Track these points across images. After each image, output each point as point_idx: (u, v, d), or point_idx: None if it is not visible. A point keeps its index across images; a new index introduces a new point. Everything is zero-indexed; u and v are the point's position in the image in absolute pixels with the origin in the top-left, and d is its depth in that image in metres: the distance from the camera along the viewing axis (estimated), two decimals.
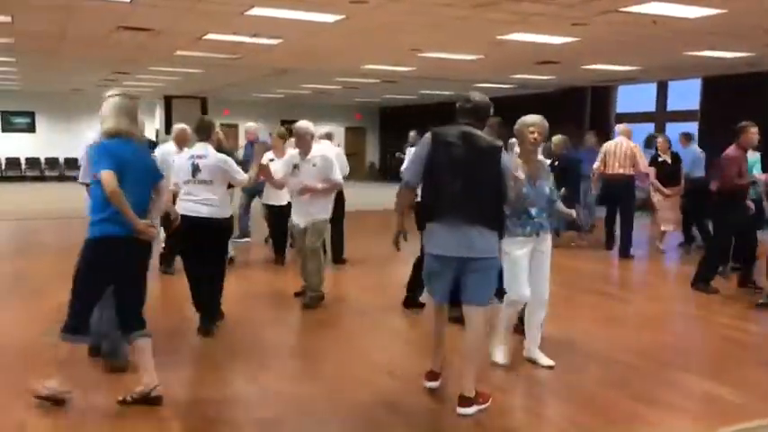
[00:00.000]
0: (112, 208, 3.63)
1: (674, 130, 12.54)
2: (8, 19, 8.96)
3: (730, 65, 12.01)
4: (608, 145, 9.65)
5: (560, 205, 4.85)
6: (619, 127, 10.34)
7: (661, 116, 15.92)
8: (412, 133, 14.01)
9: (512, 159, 4.25)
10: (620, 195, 9.41)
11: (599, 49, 10.74)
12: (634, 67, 13.06)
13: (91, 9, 8.34)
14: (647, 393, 4.26)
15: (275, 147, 8.02)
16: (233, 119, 22.53)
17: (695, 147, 10.16)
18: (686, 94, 15.25)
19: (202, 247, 5.24)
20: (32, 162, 22.81)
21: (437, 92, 19.18)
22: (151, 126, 22.09)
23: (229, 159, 5.34)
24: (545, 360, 4.67)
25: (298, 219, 6.20)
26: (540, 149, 4.72)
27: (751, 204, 7.09)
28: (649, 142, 12.05)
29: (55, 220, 12.34)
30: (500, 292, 4.11)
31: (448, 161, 3.81)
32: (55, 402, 3.79)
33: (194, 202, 5.18)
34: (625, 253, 9.29)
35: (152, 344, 3.92)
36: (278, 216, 7.95)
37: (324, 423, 3.87)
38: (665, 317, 6.49)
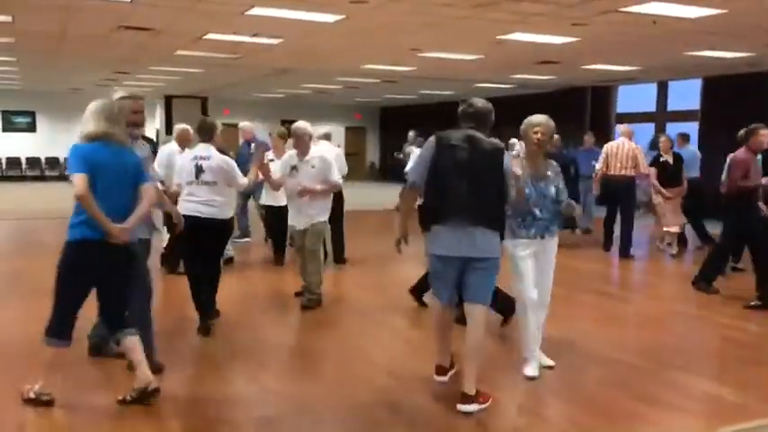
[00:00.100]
0: None
1: (674, 130, 12.47)
2: (8, 19, 8.96)
3: (730, 65, 12.00)
4: (610, 146, 9.62)
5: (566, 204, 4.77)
6: (620, 128, 10.31)
7: (661, 116, 15.89)
8: (411, 133, 14.05)
9: (510, 159, 4.25)
10: (621, 195, 9.40)
11: (599, 49, 10.73)
12: (634, 67, 13.05)
13: (91, 9, 8.33)
14: (648, 393, 4.26)
15: (275, 147, 8.01)
16: (233, 119, 22.49)
17: (692, 147, 10.14)
18: (686, 95, 15.22)
19: (203, 247, 5.26)
20: (33, 162, 22.80)
21: (437, 92, 19.18)
22: (152, 126, 22.10)
23: (232, 162, 5.36)
24: (545, 360, 4.67)
25: (296, 222, 6.13)
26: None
27: (764, 206, 7.00)
28: (654, 144, 11.99)
29: (55, 219, 12.21)
30: (493, 303, 4.18)
31: (453, 164, 3.86)
32: (44, 404, 3.80)
33: (196, 203, 5.19)
34: (625, 253, 9.29)
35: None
36: (277, 216, 7.92)
37: (324, 423, 3.88)
38: (666, 317, 6.48)
